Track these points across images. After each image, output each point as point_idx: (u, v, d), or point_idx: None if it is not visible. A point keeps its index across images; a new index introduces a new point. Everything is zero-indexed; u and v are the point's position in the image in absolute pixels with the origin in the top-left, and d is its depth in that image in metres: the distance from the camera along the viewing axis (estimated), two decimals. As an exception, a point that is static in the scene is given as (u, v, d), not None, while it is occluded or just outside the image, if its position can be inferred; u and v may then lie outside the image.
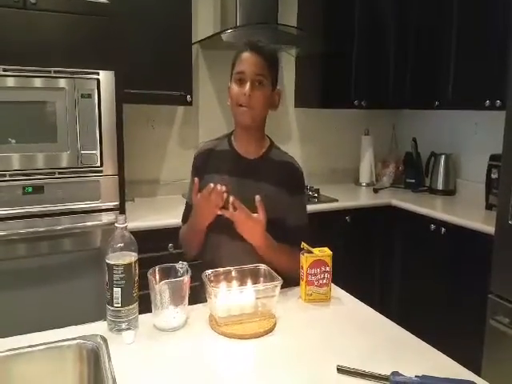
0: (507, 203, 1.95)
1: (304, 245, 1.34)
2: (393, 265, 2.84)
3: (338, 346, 1.11)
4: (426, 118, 3.24)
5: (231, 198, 1.31)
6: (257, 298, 1.19)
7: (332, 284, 1.36)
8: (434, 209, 2.62)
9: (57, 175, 1.97)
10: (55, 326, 1.15)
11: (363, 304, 1.35)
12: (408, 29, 2.95)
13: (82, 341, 1.08)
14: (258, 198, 1.32)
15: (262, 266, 1.30)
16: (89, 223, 2.03)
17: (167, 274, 1.18)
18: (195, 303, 1.27)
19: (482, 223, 2.26)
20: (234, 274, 1.27)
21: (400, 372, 0.94)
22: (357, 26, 2.90)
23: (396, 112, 3.41)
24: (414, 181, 3.15)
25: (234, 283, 1.25)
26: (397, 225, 2.79)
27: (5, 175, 1.88)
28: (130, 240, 1.14)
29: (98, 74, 1.99)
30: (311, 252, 1.33)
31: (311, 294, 1.33)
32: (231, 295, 1.18)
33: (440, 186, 2.99)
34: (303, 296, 1.34)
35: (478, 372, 1.00)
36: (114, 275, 1.10)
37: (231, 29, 2.55)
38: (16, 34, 1.85)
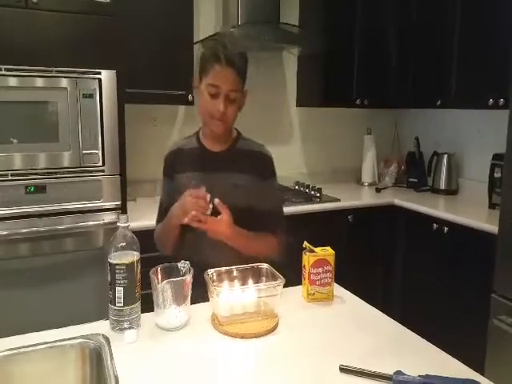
0: (510, 202, 1.94)
1: (306, 244, 1.34)
2: (395, 264, 2.83)
3: (340, 345, 1.10)
4: (429, 117, 3.23)
5: (216, 200, 1.35)
6: (259, 298, 1.19)
7: (334, 283, 1.36)
8: (437, 208, 2.62)
9: (59, 175, 1.97)
10: (57, 325, 1.16)
11: (366, 303, 1.34)
12: (410, 27, 2.94)
13: (85, 340, 1.08)
14: (216, 201, 1.35)
15: (264, 265, 1.30)
16: (91, 223, 2.03)
17: (169, 273, 1.18)
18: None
19: (485, 222, 2.25)
20: (235, 273, 1.27)
21: (403, 371, 0.94)
22: (358, 24, 2.90)
23: (398, 111, 3.40)
24: (416, 180, 3.14)
25: (236, 282, 1.25)
26: (399, 224, 2.78)
27: (7, 175, 1.88)
28: (132, 239, 1.14)
29: (99, 73, 1.99)
30: (314, 251, 1.33)
31: (314, 294, 1.32)
32: (233, 294, 1.18)
33: (443, 186, 2.99)
34: (306, 295, 1.33)
35: (480, 371, 1.00)
36: (117, 275, 1.10)
37: (233, 28, 2.55)
38: (18, 33, 1.85)
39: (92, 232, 2.05)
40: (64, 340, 1.07)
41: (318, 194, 2.79)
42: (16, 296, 1.92)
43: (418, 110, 3.28)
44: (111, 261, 1.11)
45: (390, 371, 0.95)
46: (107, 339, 1.07)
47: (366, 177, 3.30)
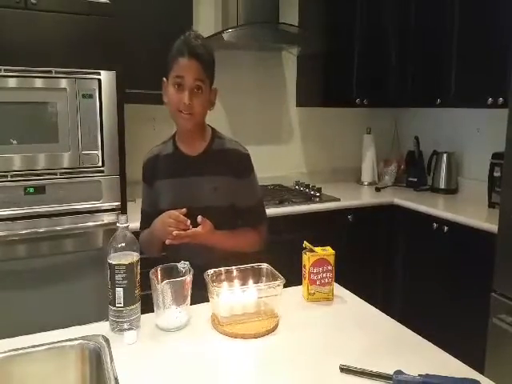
0: (510, 201, 1.94)
1: (306, 244, 1.34)
2: (395, 264, 2.83)
3: (340, 345, 1.10)
4: (428, 116, 3.23)
5: (199, 219, 1.37)
6: (259, 298, 1.19)
7: (334, 283, 1.36)
8: (437, 207, 2.61)
9: (58, 175, 1.97)
10: (57, 326, 1.16)
11: (366, 303, 1.34)
12: (409, 26, 2.93)
13: (84, 341, 1.08)
14: (199, 219, 1.37)
15: (264, 265, 1.30)
16: (90, 223, 2.03)
17: (169, 273, 1.18)
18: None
19: (485, 221, 2.25)
20: (235, 273, 1.27)
21: (403, 371, 0.94)
22: (358, 24, 2.90)
23: (398, 110, 3.40)
24: (416, 179, 3.14)
25: (236, 282, 1.25)
26: (399, 223, 2.78)
27: (6, 176, 1.88)
28: (131, 240, 1.14)
29: (99, 74, 1.99)
30: (314, 251, 1.33)
31: (314, 293, 1.32)
32: (233, 294, 1.18)
33: (442, 185, 2.98)
34: (306, 295, 1.33)
35: (480, 370, 1.00)
36: (116, 275, 1.10)
37: (232, 28, 2.55)
38: (17, 34, 1.85)
39: (91, 233, 2.05)
40: (64, 341, 1.07)
41: (318, 194, 2.79)
42: (15, 297, 1.92)
43: (417, 110, 3.28)
44: (111, 261, 1.11)
45: (390, 371, 0.94)
46: (107, 340, 1.07)
47: (366, 176, 3.30)
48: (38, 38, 1.89)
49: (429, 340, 1.12)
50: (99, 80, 1.99)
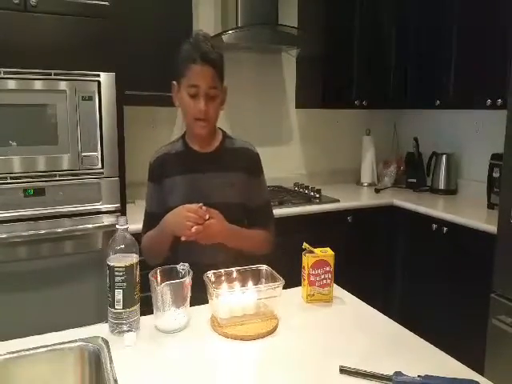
0: (509, 202, 1.94)
1: (306, 245, 1.34)
2: (395, 265, 2.83)
3: (340, 346, 1.10)
4: (427, 118, 3.24)
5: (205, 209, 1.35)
6: (258, 299, 1.19)
7: (334, 284, 1.36)
8: (436, 208, 2.62)
9: (58, 177, 1.97)
10: (57, 328, 1.15)
11: (365, 304, 1.34)
12: (408, 28, 2.94)
13: (84, 343, 1.08)
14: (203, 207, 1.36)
15: (264, 267, 1.30)
16: (90, 225, 2.03)
17: (168, 275, 1.18)
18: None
19: (484, 222, 2.25)
20: (235, 274, 1.27)
21: (403, 372, 0.94)
22: (357, 25, 2.90)
23: (397, 112, 3.40)
24: (415, 180, 3.14)
25: (236, 284, 1.25)
26: (398, 225, 2.78)
27: (6, 178, 1.88)
28: (131, 242, 1.14)
29: (98, 76, 1.99)
30: (313, 252, 1.33)
31: (313, 295, 1.32)
32: (233, 296, 1.18)
33: (442, 186, 2.99)
34: (305, 296, 1.33)
35: (480, 371, 1.00)
36: (116, 277, 1.10)
37: (232, 30, 2.55)
38: (16, 36, 1.85)
39: (91, 234, 2.05)
40: (63, 343, 1.07)
41: (318, 195, 2.79)
42: (15, 299, 1.92)
43: (416, 111, 3.29)
44: (110, 263, 1.11)
45: (389, 372, 0.95)
46: (106, 342, 1.07)
47: (366, 177, 3.30)
48: (38, 40, 1.89)
49: (428, 341, 1.12)
50: (98, 82, 1.99)
